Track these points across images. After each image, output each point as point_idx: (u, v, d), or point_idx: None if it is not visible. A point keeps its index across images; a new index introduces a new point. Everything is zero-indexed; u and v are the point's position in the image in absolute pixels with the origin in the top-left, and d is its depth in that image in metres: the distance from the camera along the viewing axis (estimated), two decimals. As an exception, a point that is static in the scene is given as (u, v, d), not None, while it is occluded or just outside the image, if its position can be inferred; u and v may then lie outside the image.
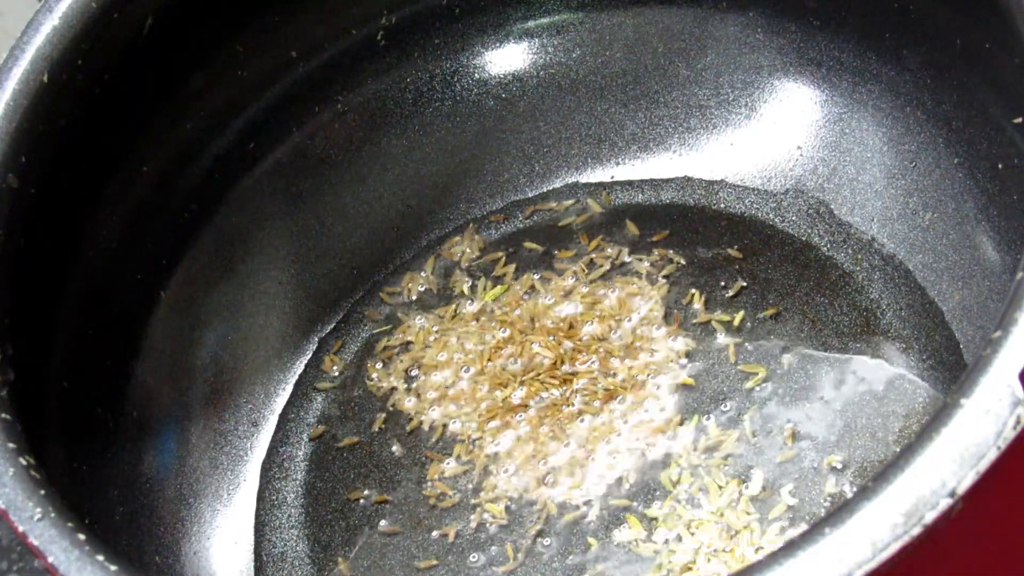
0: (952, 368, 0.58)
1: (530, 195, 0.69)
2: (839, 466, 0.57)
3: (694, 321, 0.63)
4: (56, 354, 0.57)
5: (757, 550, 0.56)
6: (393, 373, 0.65)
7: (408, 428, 0.63)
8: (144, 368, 0.62)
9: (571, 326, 0.63)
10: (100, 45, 0.57)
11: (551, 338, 0.63)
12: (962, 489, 0.39)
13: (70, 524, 0.45)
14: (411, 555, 0.60)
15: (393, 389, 0.64)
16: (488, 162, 0.69)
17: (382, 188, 0.69)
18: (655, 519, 0.57)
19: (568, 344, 0.63)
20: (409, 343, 0.65)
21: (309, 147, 0.67)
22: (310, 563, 0.61)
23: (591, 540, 0.58)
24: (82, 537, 0.45)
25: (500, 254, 0.67)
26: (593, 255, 0.66)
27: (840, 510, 0.39)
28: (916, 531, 0.39)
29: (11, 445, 0.48)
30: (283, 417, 0.65)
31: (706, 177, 0.67)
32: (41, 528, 0.45)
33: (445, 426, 0.63)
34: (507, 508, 0.60)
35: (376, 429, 0.64)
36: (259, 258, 0.66)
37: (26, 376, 0.52)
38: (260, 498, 0.63)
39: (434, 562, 0.59)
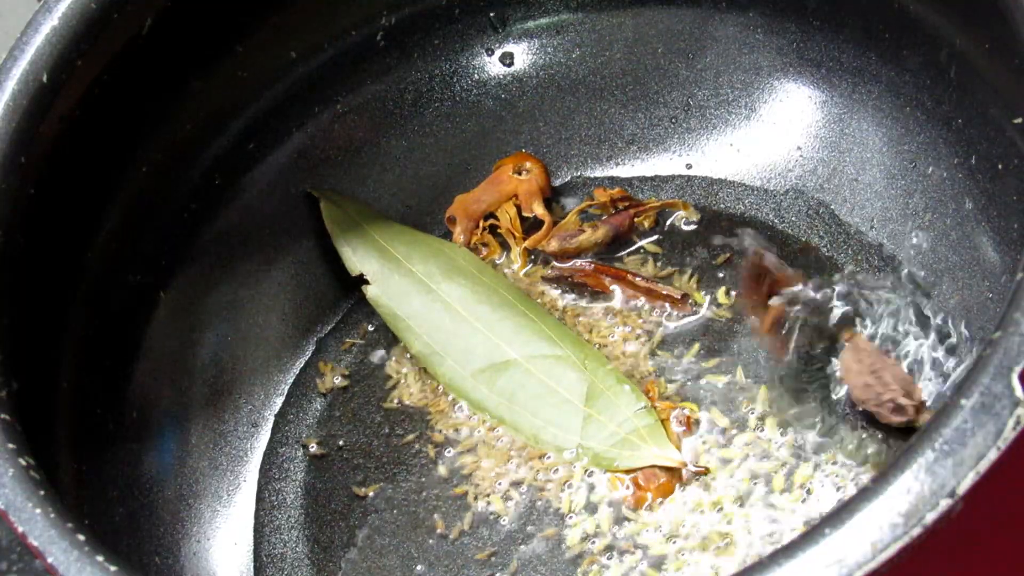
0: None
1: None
2: (840, 467, 0.57)
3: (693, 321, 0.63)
4: (56, 355, 0.57)
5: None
6: (393, 374, 0.65)
7: (408, 428, 0.63)
8: (144, 368, 0.62)
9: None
10: (100, 45, 0.57)
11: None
12: (962, 489, 0.39)
13: (70, 524, 0.46)
14: (411, 556, 0.60)
15: (393, 390, 0.64)
16: (488, 162, 0.69)
17: (382, 188, 0.69)
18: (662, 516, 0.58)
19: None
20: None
21: (309, 147, 0.67)
22: (309, 564, 0.61)
23: (597, 538, 0.58)
24: (82, 537, 0.45)
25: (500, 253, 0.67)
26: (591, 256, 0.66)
27: (840, 510, 0.39)
28: (916, 531, 0.39)
29: (11, 446, 0.48)
30: (283, 418, 0.65)
31: (706, 177, 0.67)
32: (41, 528, 0.45)
33: (445, 426, 0.63)
34: (510, 507, 0.60)
35: (375, 430, 0.63)
36: (259, 258, 0.66)
37: (26, 377, 0.52)
38: (259, 499, 0.63)
39: (435, 562, 0.59)
